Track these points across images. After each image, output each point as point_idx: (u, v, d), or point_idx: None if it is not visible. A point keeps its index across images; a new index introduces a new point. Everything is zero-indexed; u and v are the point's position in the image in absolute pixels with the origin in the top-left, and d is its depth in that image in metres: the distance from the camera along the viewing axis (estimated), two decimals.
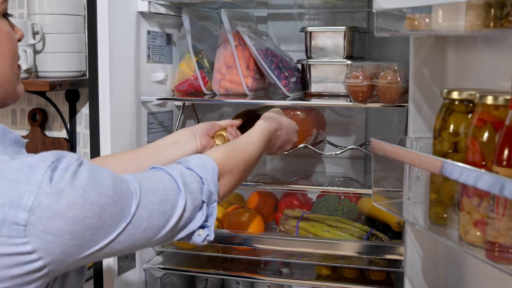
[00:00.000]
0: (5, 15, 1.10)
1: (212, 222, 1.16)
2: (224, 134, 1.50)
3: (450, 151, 1.12)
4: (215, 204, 1.17)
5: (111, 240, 0.99)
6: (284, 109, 1.69)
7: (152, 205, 1.04)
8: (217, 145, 1.48)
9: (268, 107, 1.78)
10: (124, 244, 1.01)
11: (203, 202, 1.14)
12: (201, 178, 1.15)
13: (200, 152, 1.46)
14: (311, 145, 1.80)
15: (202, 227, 1.15)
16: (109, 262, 1.63)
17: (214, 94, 1.83)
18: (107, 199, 0.97)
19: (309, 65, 1.76)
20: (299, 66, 1.81)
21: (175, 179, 1.10)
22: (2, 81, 1.06)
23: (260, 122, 1.44)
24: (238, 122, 1.57)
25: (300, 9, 2.02)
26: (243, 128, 1.58)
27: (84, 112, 2.23)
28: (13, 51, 1.09)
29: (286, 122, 1.51)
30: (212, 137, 1.49)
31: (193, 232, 1.14)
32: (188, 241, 1.16)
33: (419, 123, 1.38)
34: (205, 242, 1.16)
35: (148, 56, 1.78)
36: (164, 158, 1.39)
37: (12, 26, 1.11)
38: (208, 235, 1.15)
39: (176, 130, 1.89)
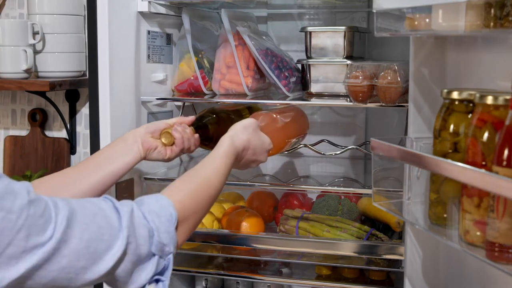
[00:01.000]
0: None
1: (167, 277, 1.03)
2: (170, 131, 1.44)
3: (450, 151, 1.12)
4: (171, 256, 1.04)
5: (20, 275, 0.84)
6: (265, 113, 1.57)
7: (79, 242, 0.90)
8: (164, 144, 1.44)
9: (249, 108, 1.74)
10: (37, 281, 0.87)
11: (153, 254, 1.01)
12: (151, 228, 1.01)
13: (145, 157, 1.41)
14: (306, 145, 1.80)
15: (157, 280, 1.02)
16: None
17: (214, 94, 1.83)
18: (8, 223, 0.82)
19: (309, 65, 1.76)
20: (299, 66, 1.81)
21: (121, 218, 0.97)
22: None
23: (226, 142, 1.31)
24: (190, 119, 1.51)
25: (300, 9, 2.02)
26: (205, 128, 1.54)
27: (84, 112, 2.23)
28: None
29: (256, 141, 1.40)
30: (159, 137, 1.44)
31: (143, 286, 1.01)
32: None
33: (419, 123, 1.38)
34: None
35: (148, 56, 1.78)
36: (107, 170, 1.32)
37: None
38: None
39: None
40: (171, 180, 1.78)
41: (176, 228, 1.06)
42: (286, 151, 1.81)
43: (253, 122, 1.44)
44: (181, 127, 1.46)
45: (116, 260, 0.95)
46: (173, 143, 1.46)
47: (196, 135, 1.52)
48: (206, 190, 1.17)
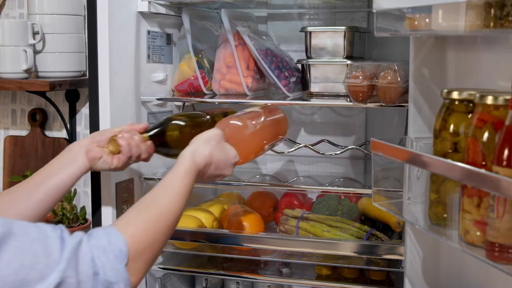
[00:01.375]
0: None
1: None
2: (116, 139, 1.37)
3: (450, 151, 1.12)
4: None
5: None
6: (232, 122, 1.44)
7: (7, 266, 0.85)
8: (111, 152, 1.37)
9: (225, 114, 1.60)
10: None
11: None
12: (96, 264, 0.95)
13: (91, 168, 1.36)
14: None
15: None
16: None
17: (214, 94, 1.83)
18: None
19: (309, 65, 1.76)
20: (299, 66, 1.81)
21: (63, 249, 0.91)
22: None
23: (186, 159, 1.22)
24: (141, 126, 1.43)
25: (300, 9, 2.02)
26: (159, 136, 1.44)
27: (84, 112, 2.23)
28: None
29: (219, 155, 1.29)
30: (107, 145, 1.38)
31: None
32: None
33: (419, 123, 1.38)
34: None
35: (148, 56, 1.78)
36: (51, 184, 1.28)
37: None
38: None
39: None
40: None
41: (128, 264, 0.98)
42: (279, 152, 1.77)
43: (216, 134, 1.33)
44: (129, 134, 1.38)
45: None
46: (120, 151, 1.38)
47: (149, 143, 1.43)
48: (164, 219, 1.09)
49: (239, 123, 1.44)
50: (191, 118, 1.54)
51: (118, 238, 0.99)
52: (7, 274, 0.84)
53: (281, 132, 1.61)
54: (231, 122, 1.44)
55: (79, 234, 0.97)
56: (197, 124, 1.52)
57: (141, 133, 1.43)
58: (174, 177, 1.19)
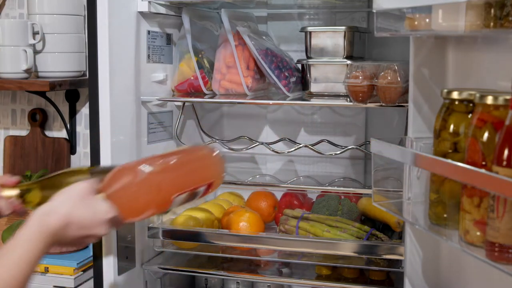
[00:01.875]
0: None
1: None
2: None
3: (450, 151, 1.12)
4: None
5: None
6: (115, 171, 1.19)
7: None
8: None
9: (98, 171, 1.27)
10: None
11: None
12: None
13: None
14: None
15: None
16: (109, 262, 1.63)
17: (214, 94, 1.83)
18: None
19: (309, 65, 1.76)
20: (299, 66, 1.81)
21: None
22: None
23: (35, 222, 1.04)
24: (13, 180, 1.26)
25: (300, 9, 2.02)
26: (25, 197, 1.25)
27: (84, 112, 2.23)
28: None
29: (83, 213, 1.09)
30: None
31: None
32: None
33: (419, 123, 1.38)
34: None
35: (148, 56, 1.78)
36: None
37: None
38: None
39: (176, 130, 1.89)
40: None
41: None
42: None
43: (81, 188, 1.12)
44: None
45: None
46: None
47: (12, 200, 1.24)
48: None
49: (123, 168, 1.18)
50: (63, 177, 1.27)
51: None
52: None
53: (208, 177, 1.27)
54: (115, 169, 1.19)
55: None
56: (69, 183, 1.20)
57: (8, 187, 1.24)
58: (17, 243, 1.01)
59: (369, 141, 1.35)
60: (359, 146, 1.81)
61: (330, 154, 1.82)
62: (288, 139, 1.99)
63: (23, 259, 0.98)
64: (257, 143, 1.88)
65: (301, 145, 1.82)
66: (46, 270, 1.86)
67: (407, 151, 1.23)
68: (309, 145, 1.81)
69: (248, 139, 2.03)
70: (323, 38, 1.76)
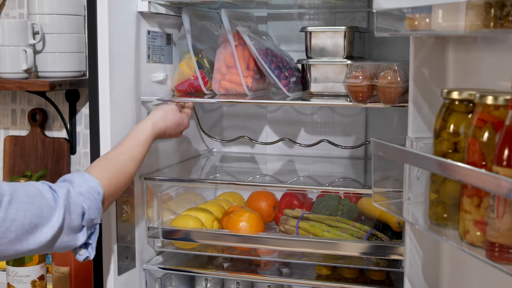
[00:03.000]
0: None
1: (94, 240, 1.31)
2: None
3: (450, 151, 1.12)
4: (96, 227, 1.31)
5: None
6: None
7: (24, 219, 1.14)
8: None
9: None
10: None
11: (82, 226, 1.26)
12: (82, 207, 1.26)
13: None
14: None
15: (86, 244, 1.30)
16: (109, 262, 1.63)
17: (214, 94, 1.83)
18: None
19: (309, 65, 1.76)
20: (299, 66, 1.81)
21: (57, 198, 1.21)
22: None
23: (147, 128, 1.52)
24: None
25: (300, 9, 2.02)
26: None
27: (84, 112, 2.23)
28: None
29: (174, 123, 1.61)
30: None
31: (75, 250, 1.29)
32: (75, 254, 1.31)
33: (419, 123, 1.38)
34: (86, 260, 1.32)
35: (148, 56, 1.78)
36: None
37: None
38: (87, 256, 1.31)
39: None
40: (171, 180, 1.79)
41: (102, 203, 1.31)
42: None
43: (171, 108, 1.64)
44: None
45: (54, 232, 1.19)
46: None
47: None
48: (123, 176, 1.40)
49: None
50: None
51: (96, 184, 1.30)
52: (26, 223, 1.14)
53: None
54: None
55: (63, 184, 1.26)
56: None
57: None
58: (136, 143, 1.47)
59: (369, 141, 1.35)
60: (359, 146, 1.81)
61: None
62: (288, 139, 1.99)
63: (138, 156, 1.46)
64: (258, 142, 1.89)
65: (301, 145, 1.81)
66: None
67: (407, 151, 1.23)
68: (309, 145, 1.81)
69: (248, 139, 2.03)
70: (323, 38, 1.76)
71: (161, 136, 1.59)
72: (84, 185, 1.28)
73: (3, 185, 1.14)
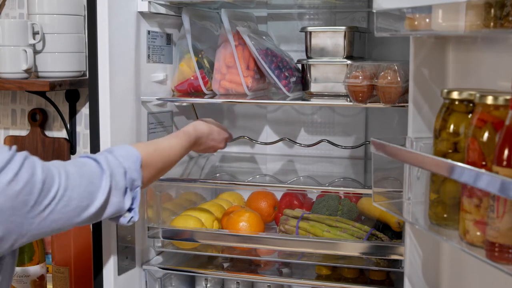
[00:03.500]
0: None
1: (136, 205, 1.35)
2: None
3: (450, 151, 1.12)
4: (138, 189, 1.35)
5: (44, 217, 1.15)
6: None
7: (79, 187, 1.21)
8: None
9: None
10: (56, 221, 1.17)
11: (126, 188, 1.31)
12: (124, 167, 1.31)
13: None
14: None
15: (129, 210, 1.34)
16: (109, 262, 1.63)
17: (214, 94, 1.83)
18: (37, 178, 1.13)
19: (309, 65, 1.76)
20: (299, 66, 1.81)
21: (101, 165, 1.28)
22: None
23: (189, 128, 1.59)
24: None
25: (300, 9, 2.02)
26: None
27: (84, 112, 2.23)
28: None
29: (216, 129, 1.67)
30: None
31: (120, 215, 1.34)
32: (115, 223, 1.36)
33: (419, 123, 1.38)
34: (130, 223, 1.36)
35: (148, 56, 1.78)
36: None
37: None
38: (132, 216, 1.35)
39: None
40: (171, 180, 1.79)
41: (142, 168, 1.36)
42: None
43: (212, 120, 1.70)
44: None
45: (105, 198, 1.25)
46: None
47: None
48: (163, 156, 1.46)
49: None
50: None
51: (132, 149, 1.37)
52: (82, 190, 1.21)
53: None
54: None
55: (101, 153, 1.34)
56: None
57: None
58: (180, 145, 1.53)
59: (369, 141, 1.35)
60: (359, 146, 1.81)
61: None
62: (288, 139, 1.99)
63: (178, 150, 1.51)
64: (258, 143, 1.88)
65: (300, 145, 1.81)
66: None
67: (407, 151, 1.23)
68: (309, 145, 1.80)
69: (248, 139, 2.03)
70: (323, 38, 1.76)
71: (205, 137, 1.63)
72: (122, 149, 1.36)
73: (52, 162, 1.22)
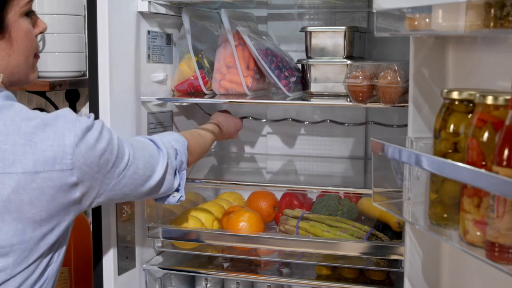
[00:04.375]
0: (29, 13, 1.36)
1: (183, 186, 1.49)
2: None
3: (450, 151, 1.12)
4: (184, 171, 1.49)
5: (118, 180, 1.28)
6: None
7: (144, 158, 1.34)
8: None
9: None
10: (126, 186, 1.31)
11: (175, 168, 1.45)
12: (175, 149, 1.46)
13: None
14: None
15: (177, 190, 1.48)
16: (109, 262, 1.63)
17: (214, 94, 1.83)
18: (114, 141, 1.26)
19: (309, 65, 1.76)
20: (299, 66, 1.81)
21: (158, 145, 1.42)
22: (16, 71, 1.29)
23: (212, 120, 1.76)
24: None
25: (300, 9, 2.02)
26: None
27: (84, 112, 2.23)
28: (30, 47, 1.33)
29: (232, 123, 1.82)
30: None
31: (169, 194, 1.47)
32: (163, 203, 1.49)
33: (419, 123, 1.38)
34: (179, 202, 1.49)
35: (148, 56, 1.78)
36: None
37: (34, 21, 1.40)
38: (181, 196, 1.49)
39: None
40: None
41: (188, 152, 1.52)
42: None
43: (226, 113, 1.87)
44: None
45: (164, 170, 1.40)
46: None
47: None
48: (201, 146, 1.63)
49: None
50: None
51: (180, 137, 1.52)
52: (146, 161, 1.36)
53: None
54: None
55: (155, 136, 1.48)
56: None
57: None
58: (211, 136, 1.70)
59: (369, 141, 1.35)
60: (361, 125, 1.80)
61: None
62: (292, 119, 2.00)
63: (210, 139, 1.69)
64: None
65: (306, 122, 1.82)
66: None
67: (407, 151, 1.23)
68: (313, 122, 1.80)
69: (293, 120, 2.06)
70: (323, 38, 1.76)
71: (224, 127, 1.78)
72: (172, 134, 1.52)
73: (120, 138, 1.32)
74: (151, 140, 1.43)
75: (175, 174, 1.46)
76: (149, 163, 1.36)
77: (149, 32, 1.77)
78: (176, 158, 1.46)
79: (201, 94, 1.84)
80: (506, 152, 0.92)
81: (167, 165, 1.41)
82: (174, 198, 1.48)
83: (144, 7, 1.70)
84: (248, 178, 1.84)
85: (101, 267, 1.63)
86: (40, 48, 2.03)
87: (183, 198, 1.49)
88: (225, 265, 1.84)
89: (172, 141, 1.47)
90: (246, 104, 2.12)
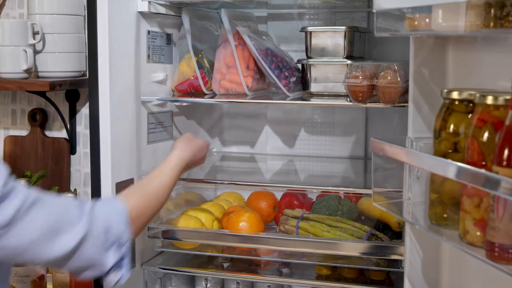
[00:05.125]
0: None
1: (125, 264, 1.21)
2: None
3: (450, 151, 1.12)
4: (127, 245, 1.22)
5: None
6: None
7: (42, 225, 1.10)
8: None
9: None
10: (9, 251, 1.08)
11: (111, 244, 1.19)
12: (108, 220, 1.19)
13: None
14: None
15: (119, 266, 1.21)
16: None
17: (214, 94, 1.83)
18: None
19: (309, 65, 1.76)
20: (299, 66, 1.81)
21: (83, 213, 1.16)
22: None
23: (174, 157, 1.50)
24: None
25: (300, 9, 2.02)
26: None
27: (84, 112, 2.23)
28: None
29: (197, 148, 1.60)
30: None
31: (107, 272, 1.19)
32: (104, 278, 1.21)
33: (419, 123, 1.38)
34: (120, 284, 1.22)
35: (148, 56, 1.78)
36: None
37: None
38: (119, 280, 1.21)
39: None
40: None
41: (131, 222, 1.25)
42: None
43: (190, 136, 1.63)
44: None
45: (73, 247, 1.13)
46: None
47: None
48: (153, 199, 1.39)
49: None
50: None
51: (119, 202, 1.27)
52: (45, 226, 1.10)
53: None
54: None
55: (88, 202, 1.21)
56: None
57: None
58: (165, 170, 1.47)
59: (369, 141, 1.35)
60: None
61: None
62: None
63: (170, 185, 1.45)
64: None
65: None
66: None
67: (407, 151, 1.23)
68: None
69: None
70: (323, 38, 1.76)
71: (190, 161, 1.55)
72: (109, 203, 1.26)
73: (32, 190, 1.12)
74: (80, 207, 1.18)
75: (109, 248, 1.18)
76: (52, 235, 1.11)
77: (149, 32, 1.77)
78: (109, 233, 1.18)
79: (201, 94, 1.84)
80: (506, 152, 0.92)
81: (82, 241, 1.14)
82: (115, 277, 1.21)
83: (144, 7, 1.70)
84: (248, 178, 1.84)
85: None
86: (40, 48, 2.03)
87: (122, 281, 1.21)
88: (225, 265, 1.84)
89: (107, 211, 1.22)
90: (246, 104, 2.12)
